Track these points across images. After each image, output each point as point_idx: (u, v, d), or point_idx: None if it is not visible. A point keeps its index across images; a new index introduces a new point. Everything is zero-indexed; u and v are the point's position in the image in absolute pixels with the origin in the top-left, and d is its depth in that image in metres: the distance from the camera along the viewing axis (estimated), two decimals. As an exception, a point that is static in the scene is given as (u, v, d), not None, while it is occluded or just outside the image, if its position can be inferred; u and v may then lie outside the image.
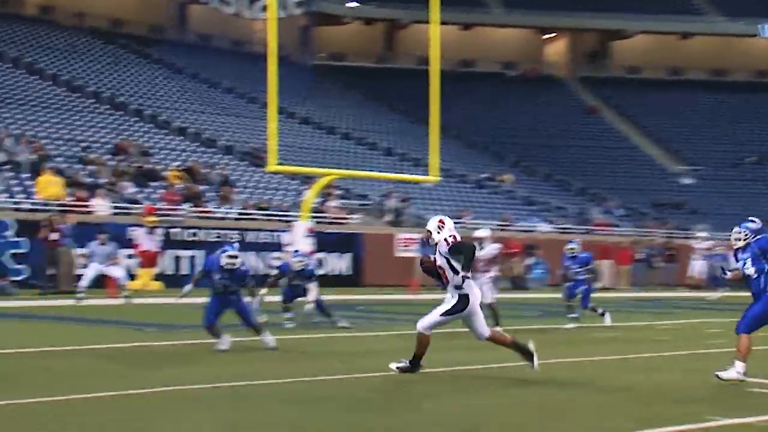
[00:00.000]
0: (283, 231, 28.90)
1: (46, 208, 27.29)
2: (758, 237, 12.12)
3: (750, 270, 11.66)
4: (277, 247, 29.00)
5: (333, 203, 34.58)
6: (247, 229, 30.04)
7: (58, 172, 30.33)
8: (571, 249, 18.81)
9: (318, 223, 29.56)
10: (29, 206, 27.60)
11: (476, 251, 12.15)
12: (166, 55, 50.39)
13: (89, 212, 27.99)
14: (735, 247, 12.46)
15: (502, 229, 34.46)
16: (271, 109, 24.87)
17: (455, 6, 46.81)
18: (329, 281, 27.85)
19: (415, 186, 38.00)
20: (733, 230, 11.85)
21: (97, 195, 29.31)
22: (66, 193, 29.12)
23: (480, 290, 12.82)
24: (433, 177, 27.55)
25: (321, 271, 26.55)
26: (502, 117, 55.28)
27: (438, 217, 11.68)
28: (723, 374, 11.06)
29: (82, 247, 24.63)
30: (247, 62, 50.36)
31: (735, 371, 11.01)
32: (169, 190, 32.41)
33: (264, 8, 39.25)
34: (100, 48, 48.84)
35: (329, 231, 30.99)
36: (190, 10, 53.97)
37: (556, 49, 64.65)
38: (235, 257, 13.74)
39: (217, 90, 48.26)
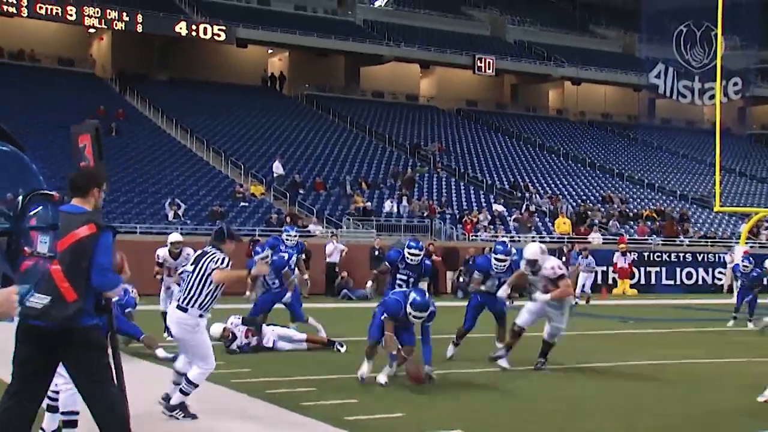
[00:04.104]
0: (725, 253, 27.08)
1: (560, 240, 27.64)
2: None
3: None
4: (723, 264, 27.23)
5: (765, 232, 31.83)
6: (699, 252, 28.51)
7: (568, 216, 30.64)
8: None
9: (751, 246, 27.32)
10: (548, 239, 28.11)
11: None
12: (639, 135, 49.18)
13: (588, 242, 27.93)
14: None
15: None
16: (717, 167, 23.70)
17: None
18: None
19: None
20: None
21: (593, 231, 29.23)
22: (572, 229, 29.34)
23: None
24: None
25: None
26: None
27: None
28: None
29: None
30: (699, 136, 48.10)
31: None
32: (641, 225, 31.56)
33: (711, 98, 37.40)
34: (594, 132, 48.77)
35: (762, 253, 28.59)
36: (657, 102, 52.27)
37: None
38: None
39: (675, 155, 46.24)
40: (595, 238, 28.48)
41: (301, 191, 29.31)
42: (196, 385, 6.76)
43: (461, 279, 23.40)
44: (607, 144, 46.58)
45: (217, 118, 36.08)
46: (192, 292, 6.82)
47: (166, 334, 11.38)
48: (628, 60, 50.75)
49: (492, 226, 28.45)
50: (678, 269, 27.68)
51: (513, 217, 30.10)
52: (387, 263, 10.45)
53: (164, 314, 11.81)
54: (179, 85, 39.85)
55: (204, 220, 24.73)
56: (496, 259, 10.12)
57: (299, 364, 9.88)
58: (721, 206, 26.07)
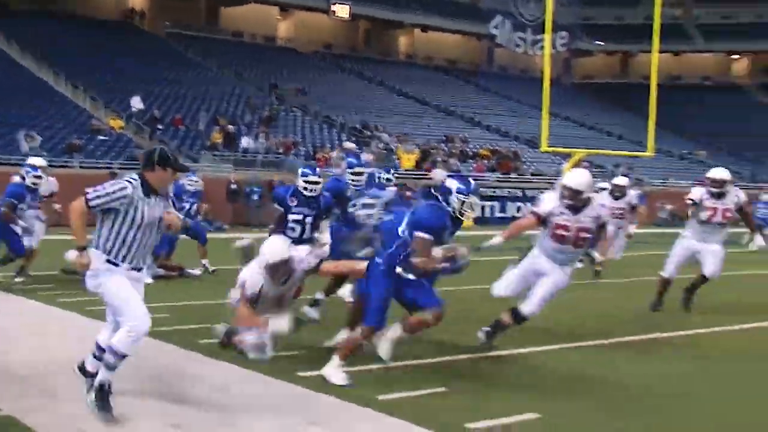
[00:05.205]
0: (548, 190, 28.50)
1: (405, 175, 28.20)
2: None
3: None
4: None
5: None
6: (527, 188, 29.88)
7: (412, 153, 31.22)
8: None
9: (571, 183, 28.87)
10: (397, 175, 28.59)
11: None
12: (482, 81, 50.54)
13: (429, 179, 28.60)
14: None
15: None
16: (545, 112, 24.60)
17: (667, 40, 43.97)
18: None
19: (635, 159, 36.18)
20: None
21: (436, 167, 29.95)
22: (417, 166, 29.97)
23: None
24: (649, 153, 26.14)
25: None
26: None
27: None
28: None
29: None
30: (530, 83, 49.74)
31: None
32: (479, 163, 32.61)
33: (542, 48, 38.82)
34: (440, 78, 49.58)
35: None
36: (497, 52, 53.60)
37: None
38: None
39: (511, 101, 47.85)
40: (439, 174, 29.20)
41: (159, 127, 28.33)
42: (123, 355, 4.70)
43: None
44: (451, 88, 47.48)
45: (76, 52, 34.00)
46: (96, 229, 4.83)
47: (17, 277, 9.88)
48: (474, 10, 51.60)
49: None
50: (509, 203, 28.93)
51: (363, 153, 30.35)
52: (277, 205, 7.75)
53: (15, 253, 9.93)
54: (37, 17, 37.13)
55: (61, 153, 23.51)
56: (353, 176, 8.08)
57: (154, 290, 9.70)
58: (546, 147, 27.14)
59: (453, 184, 5.65)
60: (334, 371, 5.51)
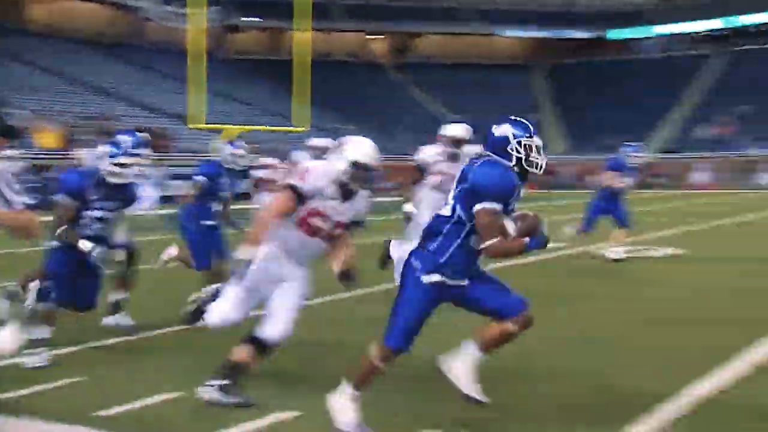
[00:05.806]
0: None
1: (46, 155, 26.35)
2: None
3: None
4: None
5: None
6: (178, 166, 29.64)
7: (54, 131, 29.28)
8: None
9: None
10: (33, 154, 26.73)
11: None
12: (127, 55, 48.60)
13: (72, 158, 27.08)
14: None
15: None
16: (192, 86, 24.55)
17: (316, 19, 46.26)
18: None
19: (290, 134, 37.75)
20: None
21: (79, 147, 28.44)
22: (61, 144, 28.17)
23: None
24: (303, 128, 27.49)
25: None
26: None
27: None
28: None
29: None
30: (180, 57, 49.01)
31: None
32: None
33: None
34: (84, 51, 46.79)
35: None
36: (148, 25, 51.95)
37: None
38: None
39: (160, 75, 46.77)
40: (87, 153, 27.77)
41: None
42: None
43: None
44: (95, 63, 45.00)
45: None
46: None
47: None
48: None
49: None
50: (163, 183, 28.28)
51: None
52: (67, 196, 5.68)
53: None
54: None
55: None
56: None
57: None
58: (196, 124, 27.19)
59: (507, 129, 4.10)
60: (343, 405, 4.05)
